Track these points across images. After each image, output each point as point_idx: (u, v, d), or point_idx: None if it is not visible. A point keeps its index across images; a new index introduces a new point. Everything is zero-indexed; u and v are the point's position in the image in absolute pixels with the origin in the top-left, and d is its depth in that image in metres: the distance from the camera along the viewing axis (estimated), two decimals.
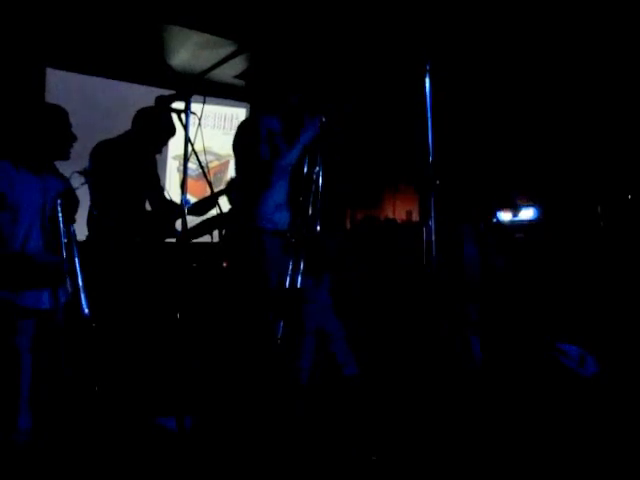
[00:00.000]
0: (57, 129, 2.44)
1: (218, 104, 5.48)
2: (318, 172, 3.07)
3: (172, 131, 3.19)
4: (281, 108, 3.13)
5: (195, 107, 2.55)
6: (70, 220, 2.64)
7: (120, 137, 3.20)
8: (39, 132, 2.39)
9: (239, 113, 5.69)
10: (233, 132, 3.18)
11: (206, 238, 3.82)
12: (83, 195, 3.38)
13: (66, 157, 2.54)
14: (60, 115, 2.47)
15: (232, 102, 5.60)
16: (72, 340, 2.48)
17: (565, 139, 4.65)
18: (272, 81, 3.26)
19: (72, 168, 3.17)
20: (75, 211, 3.15)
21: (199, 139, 2.43)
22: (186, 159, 2.37)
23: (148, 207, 3.39)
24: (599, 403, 2.78)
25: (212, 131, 5.41)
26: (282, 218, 3.05)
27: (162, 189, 3.40)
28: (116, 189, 3.05)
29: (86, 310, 2.50)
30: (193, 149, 2.40)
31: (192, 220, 3.46)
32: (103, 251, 3.01)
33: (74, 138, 2.52)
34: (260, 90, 3.44)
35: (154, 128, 3.18)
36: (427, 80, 2.78)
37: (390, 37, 4.30)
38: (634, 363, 3.16)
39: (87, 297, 2.51)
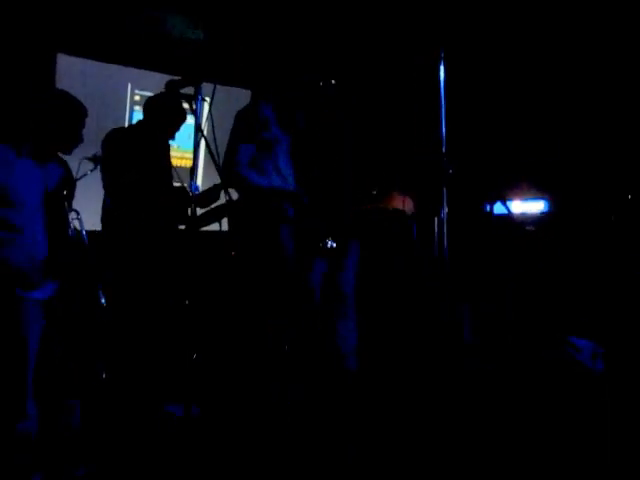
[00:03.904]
0: (67, 119, 2.34)
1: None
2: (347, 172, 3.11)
3: (183, 116, 3.16)
4: (296, 84, 3.14)
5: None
6: (69, 206, 2.58)
7: (133, 125, 3.19)
8: (47, 119, 2.31)
9: None
10: None
11: (214, 226, 3.79)
12: (93, 182, 3.36)
13: (69, 150, 2.44)
14: (71, 105, 2.37)
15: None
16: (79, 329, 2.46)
17: (580, 132, 4.58)
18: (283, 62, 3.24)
19: (81, 154, 3.16)
20: (72, 196, 3.10)
21: (209, 125, 2.40)
22: (197, 144, 2.35)
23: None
24: (610, 397, 2.75)
25: None
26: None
27: (172, 177, 3.38)
28: (130, 177, 3.02)
29: (102, 300, 2.48)
30: (202, 134, 2.38)
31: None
32: (119, 241, 2.99)
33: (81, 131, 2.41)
34: (273, 70, 3.42)
35: (165, 114, 3.16)
36: (441, 68, 2.73)
37: (402, 25, 4.24)
38: None
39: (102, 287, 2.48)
